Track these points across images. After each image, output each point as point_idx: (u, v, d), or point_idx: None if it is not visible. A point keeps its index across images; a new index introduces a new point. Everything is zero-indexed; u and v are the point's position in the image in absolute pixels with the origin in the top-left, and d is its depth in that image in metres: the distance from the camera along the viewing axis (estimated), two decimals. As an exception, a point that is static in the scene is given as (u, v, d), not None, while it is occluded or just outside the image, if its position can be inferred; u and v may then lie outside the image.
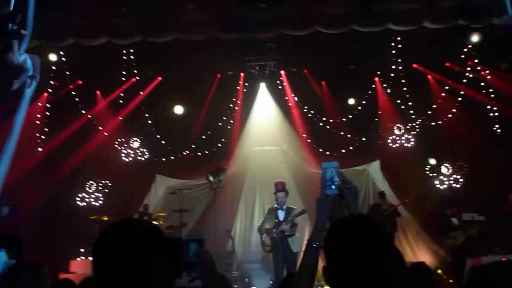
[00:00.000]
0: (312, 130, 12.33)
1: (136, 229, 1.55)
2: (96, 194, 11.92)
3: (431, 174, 12.04)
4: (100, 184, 11.98)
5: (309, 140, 12.25)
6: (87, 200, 11.83)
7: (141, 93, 12.30)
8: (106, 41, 9.78)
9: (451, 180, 11.93)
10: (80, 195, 11.80)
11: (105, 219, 10.51)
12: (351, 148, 12.26)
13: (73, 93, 11.93)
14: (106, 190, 11.98)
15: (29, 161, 10.86)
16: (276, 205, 7.70)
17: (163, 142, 12.40)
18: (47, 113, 11.83)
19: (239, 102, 12.56)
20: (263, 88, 12.59)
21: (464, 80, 12.00)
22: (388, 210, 10.49)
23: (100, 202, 11.88)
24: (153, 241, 1.52)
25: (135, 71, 12.23)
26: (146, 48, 10.75)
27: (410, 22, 9.54)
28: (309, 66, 12.31)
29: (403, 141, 12.30)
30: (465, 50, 11.61)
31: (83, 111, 12.04)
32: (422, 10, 9.22)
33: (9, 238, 3.14)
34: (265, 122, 12.44)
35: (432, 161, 12.01)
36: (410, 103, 12.30)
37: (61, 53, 11.22)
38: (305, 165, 11.96)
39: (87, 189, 11.91)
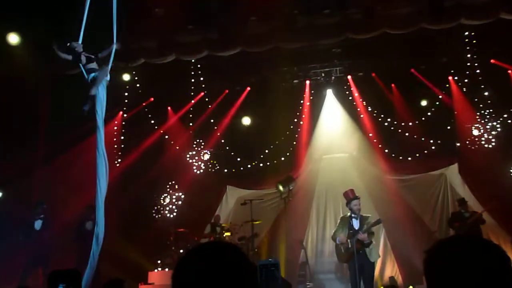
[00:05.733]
0: (383, 134, 11.90)
1: (221, 257, 1.42)
2: (170, 206, 12.31)
3: (517, 177, 11.14)
4: (174, 197, 12.36)
5: (380, 146, 11.83)
6: (162, 212, 12.25)
7: (210, 106, 12.60)
8: (174, 58, 10.14)
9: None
10: (155, 208, 12.24)
11: (180, 231, 10.81)
12: (426, 152, 11.67)
13: (146, 110, 12.47)
14: (180, 202, 12.33)
15: (109, 177, 11.44)
16: (349, 214, 7.45)
17: (232, 153, 12.57)
18: (123, 130, 12.45)
19: (306, 110, 12.45)
20: (330, 94, 12.40)
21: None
22: (472, 217, 9.78)
23: (174, 214, 12.24)
24: (238, 271, 1.40)
25: (203, 86, 12.55)
26: (212, 62, 11.00)
27: (485, 15, 8.96)
28: (377, 69, 11.96)
29: (483, 142, 11.51)
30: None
31: (156, 127, 12.54)
32: (498, 1, 8.63)
33: (68, 273, 3.28)
34: (334, 129, 12.22)
35: (518, 162, 11.11)
36: (489, 101, 11.52)
37: (134, 72, 11.80)
38: (377, 172, 11.56)
39: (161, 201, 12.33)
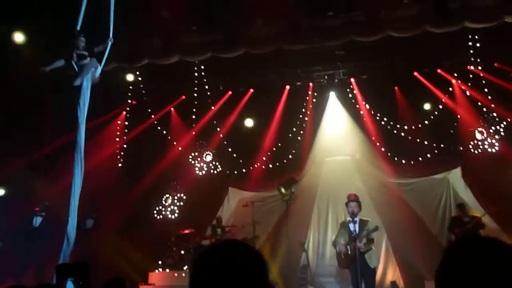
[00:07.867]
0: (386, 138, 11.87)
1: (240, 256, 1.43)
2: (172, 207, 12.31)
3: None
4: (176, 198, 12.36)
5: (383, 149, 11.81)
6: (163, 213, 12.25)
7: (213, 107, 12.60)
8: (178, 59, 10.15)
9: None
10: (157, 209, 12.24)
11: (182, 232, 10.81)
12: (428, 155, 11.64)
13: (149, 110, 12.49)
14: (181, 203, 12.33)
15: (110, 176, 11.47)
16: (348, 218, 7.42)
17: (234, 155, 12.56)
18: (125, 131, 12.46)
19: (308, 112, 12.44)
20: (332, 97, 12.38)
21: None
22: (471, 222, 9.73)
23: (176, 215, 12.24)
24: (256, 269, 1.42)
25: (206, 87, 12.56)
26: (216, 63, 11.00)
27: (489, 18, 8.94)
28: (380, 72, 11.94)
29: (486, 146, 11.47)
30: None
31: (159, 128, 12.55)
32: (502, 4, 8.61)
33: (77, 266, 3.16)
34: (336, 132, 12.19)
35: (522, 167, 11.05)
36: (492, 105, 11.48)
37: (137, 73, 11.81)
38: (379, 175, 11.53)
39: (163, 202, 12.32)
